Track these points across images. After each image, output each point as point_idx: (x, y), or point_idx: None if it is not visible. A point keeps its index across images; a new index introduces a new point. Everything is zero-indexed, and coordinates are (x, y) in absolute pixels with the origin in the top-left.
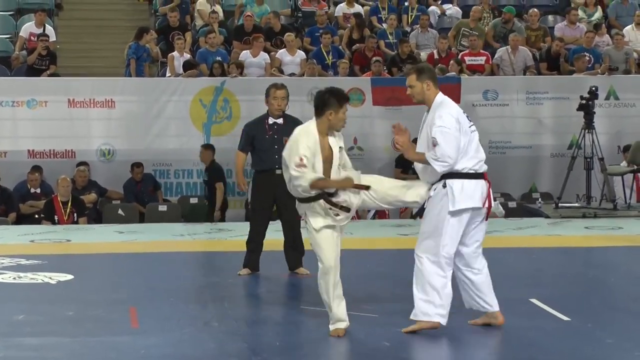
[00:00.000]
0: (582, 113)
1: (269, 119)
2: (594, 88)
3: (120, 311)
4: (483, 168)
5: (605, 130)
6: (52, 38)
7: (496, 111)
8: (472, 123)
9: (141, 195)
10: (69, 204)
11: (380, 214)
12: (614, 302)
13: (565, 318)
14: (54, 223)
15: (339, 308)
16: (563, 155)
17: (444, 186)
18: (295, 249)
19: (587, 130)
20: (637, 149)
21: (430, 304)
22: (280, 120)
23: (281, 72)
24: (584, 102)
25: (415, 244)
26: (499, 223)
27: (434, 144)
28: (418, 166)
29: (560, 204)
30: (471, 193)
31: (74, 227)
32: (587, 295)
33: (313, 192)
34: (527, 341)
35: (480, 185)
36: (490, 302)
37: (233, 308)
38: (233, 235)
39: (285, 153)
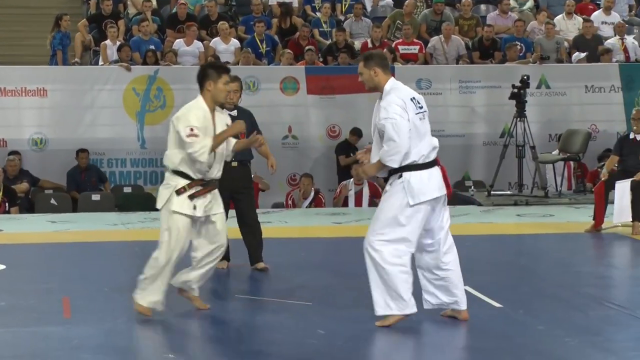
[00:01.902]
0: (514, 102)
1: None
2: (525, 77)
3: (53, 301)
4: (435, 154)
5: (536, 118)
6: None
7: (429, 100)
8: (422, 109)
9: (84, 185)
10: (0, 193)
11: (316, 202)
12: (545, 289)
13: (497, 305)
14: None
15: (158, 287)
16: (495, 143)
17: (400, 178)
18: (254, 238)
19: (518, 119)
20: (568, 137)
21: (391, 298)
22: (234, 113)
23: (216, 60)
24: (515, 90)
25: (351, 232)
26: None
27: (382, 137)
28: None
29: (492, 192)
30: (428, 184)
31: (5, 217)
32: (519, 282)
33: (207, 163)
34: (460, 328)
35: (435, 172)
36: (460, 299)
37: (167, 298)
38: None
39: (178, 127)
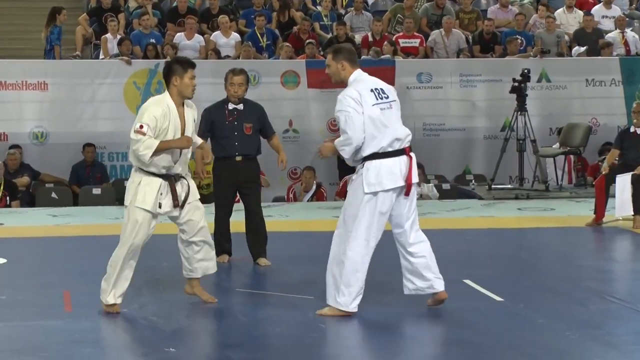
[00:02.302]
0: (514, 95)
1: (229, 105)
2: (526, 71)
3: (54, 295)
4: (401, 145)
5: (537, 112)
6: None
7: (430, 94)
8: (388, 99)
9: (86, 180)
10: (1, 187)
11: (317, 196)
12: (546, 283)
13: (498, 299)
14: None
15: (120, 284)
16: (496, 137)
17: (362, 167)
18: (256, 236)
19: (519, 113)
20: (569, 130)
21: (345, 293)
22: (240, 106)
23: (217, 54)
24: (516, 84)
25: None
26: (433, 205)
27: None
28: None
29: (493, 186)
30: (388, 174)
31: (6, 211)
32: (520, 276)
33: (149, 162)
34: (461, 322)
35: (399, 162)
36: (433, 281)
37: (167, 291)
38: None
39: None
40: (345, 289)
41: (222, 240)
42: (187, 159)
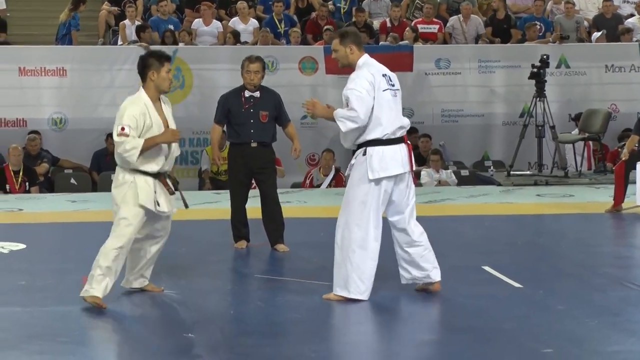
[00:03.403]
0: (533, 81)
1: (245, 92)
2: (545, 56)
3: (72, 281)
4: (402, 133)
5: (556, 98)
6: (2, 6)
7: (448, 80)
8: (395, 87)
9: (106, 167)
10: (21, 173)
11: (336, 181)
12: (565, 269)
13: (517, 285)
14: (5, 192)
15: (105, 280)
16: (515, 123)
17: (364, 154)
18: (273, 222)
19: (538, 99)
20: (588, 116)
21: (358, 282)
22: (256, 94)
23: (236, 38)
24: (535, 70)
25: None
26: (451, 191)
27: (347, 105)
28: (340, 134)
29: (512, 172)
30: (391, 160)
31: (26, 196)
32: (539, 262)
33: (137, 161)
34: (480, 308)
35: (400, 149)
36: (431, 272)
37: (186, 277)
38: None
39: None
40: (359, 278)
41: (239, 226)
42: (174, 157)
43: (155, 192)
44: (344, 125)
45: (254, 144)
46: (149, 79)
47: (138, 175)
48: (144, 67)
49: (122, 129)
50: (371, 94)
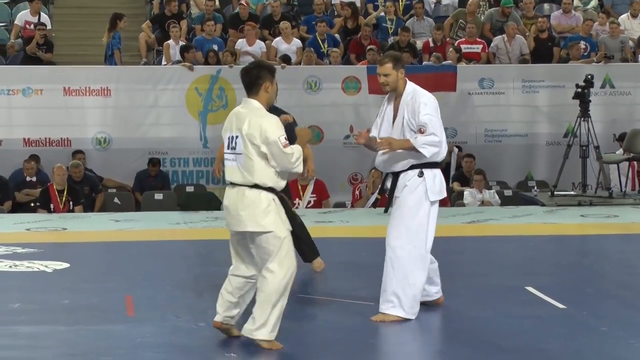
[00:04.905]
0: (577, 101)
1: None
2: (589, 76)
3: (116, 300)
4: None
5: (600, 118)
6: (48, 26)
7: (492, 99)
8: None
9: (149, 187)
10: (65, 192)
11: (381, 202)
12: (609, 290)
13: (560, 306)
14: (49, 211)
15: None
16: (559, 143)
17: (420, 175)
18: (300, 239)
19: (582, 119)
20: (633, 137)
21: (415, 303)
22: None
23: (286, 61)
24: (579, 90)
25: None
26: (495, 211)
27: (422, 131)
28: (382, 156)
29: (556, 192)
30: (443, 183)
31: (69, 216)
32: (583, 283)
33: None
34: (523, 329)
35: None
36: (440, 286)
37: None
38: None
39: (267, 138)
40: (414, 298)
41: None
42: None
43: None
44: (428, 151)
45: None
46: (263, 91)
47: (272, 194)
48: (258, 79)
49: (285, 138)
50: (439, 118)
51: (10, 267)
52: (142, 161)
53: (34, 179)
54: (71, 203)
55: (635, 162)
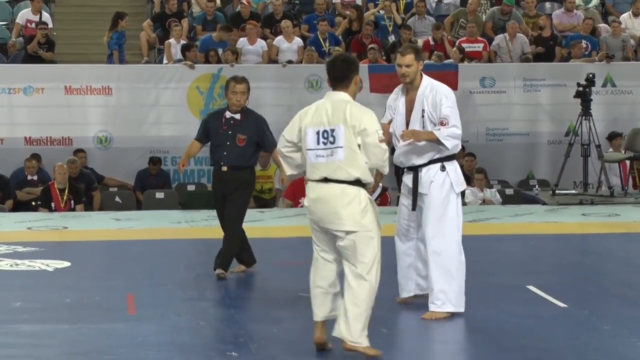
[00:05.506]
0: (579, 100)
1: (227, 113)
2: (591, 75)
3: (117, 298)
4: None
5: (602, 117)
6: (49, 25)
7: (493, 98)
8: None
9: (150, 186)
10: (66, 191)
11: (382, 199)
12: (611, 289)
13: (562, 305)
14: (50, 210)
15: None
16: (560, 142)
17: (443, 169)
18: (224, 244)
19: (584, 117)
20: (634, 135)
21: (460, 293)
22: (237, 116)
23: (289, 61)
24: (581, 89)
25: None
26: (496, 210)
27: (443, 123)
28: (402, 149)
29: (557, 191)
30: (461, 174)
31: (70, 214)
32: (584, 282)
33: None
34: (524, 328)
35: None
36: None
37: (230, 295)
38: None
39: (364, 129)
40: (461, 291)
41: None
42: None
43: None
44: (450, 143)
45: (224, 168)
46: (353, 83)
47: (362, 189)
48: (350, 72)
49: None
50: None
51: (12, 266)
52: (143, 160)
53: (35, 177)
54: (72, 202)
55: (636, 161)
